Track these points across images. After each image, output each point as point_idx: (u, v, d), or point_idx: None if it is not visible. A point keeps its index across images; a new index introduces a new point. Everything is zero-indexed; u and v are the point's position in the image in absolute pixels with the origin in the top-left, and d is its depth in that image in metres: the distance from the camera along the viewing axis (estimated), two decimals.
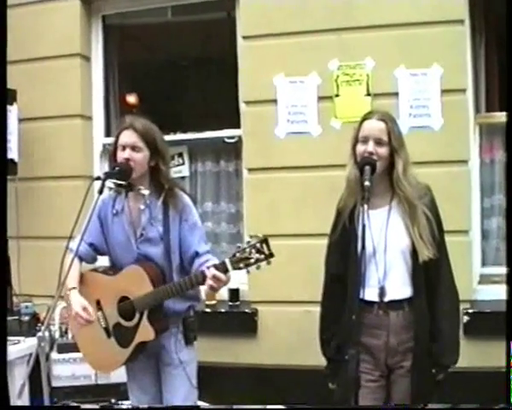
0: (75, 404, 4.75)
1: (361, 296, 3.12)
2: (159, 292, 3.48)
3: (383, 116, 3.35)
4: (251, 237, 3.37)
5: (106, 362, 3.75)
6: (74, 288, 3.62)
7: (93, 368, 3.95)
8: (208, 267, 3.34)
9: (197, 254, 3.59)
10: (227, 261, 3.31)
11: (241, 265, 3.30)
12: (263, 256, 3.28)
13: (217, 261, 3.41)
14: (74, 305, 3.56)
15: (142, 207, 3.62)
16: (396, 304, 3.32)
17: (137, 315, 3.54)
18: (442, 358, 3.33)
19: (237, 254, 3.30)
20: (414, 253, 3.29)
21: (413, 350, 3.31)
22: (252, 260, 3.28)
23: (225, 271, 3.32)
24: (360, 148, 3.31)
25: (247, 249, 3.28)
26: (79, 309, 3.53)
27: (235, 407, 4.32)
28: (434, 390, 3.37)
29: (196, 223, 3.68)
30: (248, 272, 3.35)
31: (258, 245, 3.28)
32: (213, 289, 3.41)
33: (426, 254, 3.25)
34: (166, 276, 3.57)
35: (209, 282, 3.32)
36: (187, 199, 3.70)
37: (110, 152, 3.72)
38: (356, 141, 3.36)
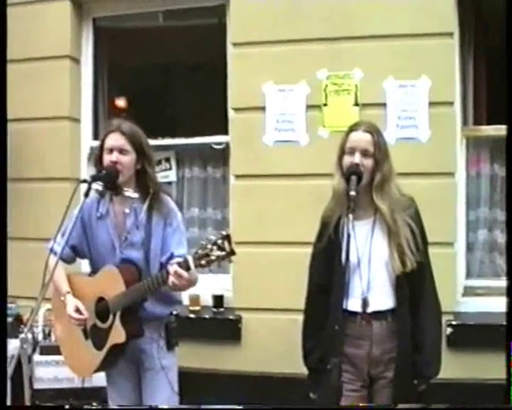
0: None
1: (344, 307, 3.12)
2: (129, 292, 3.46)
3: (369, 128, 3.36)
4: (216, 234, 3.31)
5: (82, 365, 3.74)
6: (68, 292, 3.63)
7: (72, 371, 3.92)
8: (172, 264, 3.33)
9: (172, 256, 3.55)
10: (189, 258, 3.26)
11: (203, 262, 3.22)
12: (224, 253, 3.20)
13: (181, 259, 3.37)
14: (68, 308, 3.57)
15: (127, 211, 3.62)
16: (379, 314, 3.33)
17: (111, 317, 3.53)
18: (424, 369, 3.34)
19: (199, 251, 3.24)
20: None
21: (395, 361, 3.32)
22: (213, 258, 3.20)
23: (187, 268, 3.26)
24: (347, 159, 3.32)
25: (209, 246, 3.21)
26: (71, 311, 3.54)
27: (203, 406, 4.32)
28: (416, 401, 3.37)
29: (179, 226, 3.66)
30: (210, 270, 3.30)
31: (219, 242, 3.20)
32: (176, 288, 3.37)
33: (403, 268, 3.27)
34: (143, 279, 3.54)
35: (171, 278, 3.28)
36: (172, 204, 3.70)
37: (96, 155, 3.69)
38: (342, 152, 3.37)
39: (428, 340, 3.35)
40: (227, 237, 3.22)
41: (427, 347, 3.34)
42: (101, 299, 3.58)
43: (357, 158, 3.29)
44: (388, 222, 3.29)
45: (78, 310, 3.55)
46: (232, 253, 3.23)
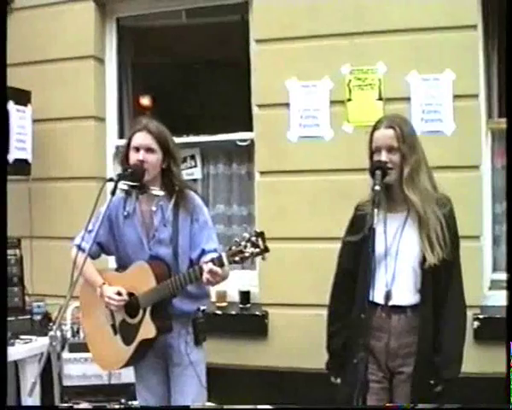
0: (86, 403, 4.79)
1: (368, 297, 3.13)
2: (160, 288, 3.50)
3: (392, 122, 3.36)
4: (250, 232, 3.36)
5: (111, 359, 3.78)
6: (104, 283, 3.67)
7: (99, 366, 3.97)
8: (206, 262, 3.36)
9: (203, 252, 3.61)
10: (223, 255, 3.31)
11: (237, 258, 3.28)
12: (258, 250, 3.25)
13: (215, 255, 3.41)
14: (109, 293, 3.61)
15: (154, 208, 3.65)
16: (399, 309, 3.35)
17: (141, 312, 3.57)
18: (442, 370, 3.31)
19: (233, 248, 3.29)
20: (424, 262, 3.30)
21: (415, 356, 3.32)
22: (246, 254, 3.25)
23: (221, 265, 3.31)
24: (375, 158, 3.34)
25: (243, 243, 3.26)
26: (112, 294, 3.59)
27: (225, 407, 4.35)
28: (433, 400, 3.34)
29: (207, 222, 3.70)
30: (243, 267, 3.35)
31: (253, 239, 3.25)
32: (210, 284, 3.44)
33: (433, 259, 3.25)
34: (173, 274, 3.57)
35: (206, 276, 3.33)
36: (198, 200, 3.72)
37: (122, 154, 3.72)
38: (371, 152, 3.39)
39: (449, 342, 3.32)
40: (261, 235, 3.27)
41: (447, 349, 3.32)
42: (130, 294, 3.62)
43: (383, 156, 3.30)
44: (420, 211, 3.29)
45: (119, 293, 3.60)
46: (266, 250, 3.27)
